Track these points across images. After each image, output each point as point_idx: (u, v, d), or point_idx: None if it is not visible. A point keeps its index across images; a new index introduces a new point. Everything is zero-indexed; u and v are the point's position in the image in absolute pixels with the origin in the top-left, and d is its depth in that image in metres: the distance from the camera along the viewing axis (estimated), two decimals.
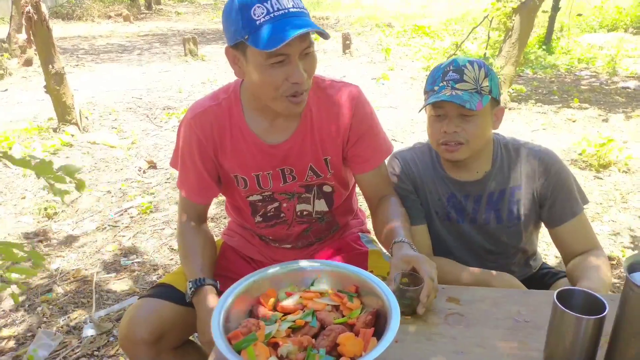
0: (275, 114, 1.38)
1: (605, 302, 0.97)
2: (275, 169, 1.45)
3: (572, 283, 1.39)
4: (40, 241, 3.05)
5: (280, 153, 1.43)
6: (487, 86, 1.39)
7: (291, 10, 1.19)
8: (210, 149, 1.44)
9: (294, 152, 1.43)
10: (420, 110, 1.50)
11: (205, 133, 1.42)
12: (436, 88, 1.41)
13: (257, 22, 1.17)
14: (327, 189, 1.53)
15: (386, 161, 1.57)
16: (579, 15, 7.94)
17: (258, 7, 1.17)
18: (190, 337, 1.54)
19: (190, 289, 1.34)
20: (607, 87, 6.88)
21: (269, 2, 1.18)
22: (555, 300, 0.98)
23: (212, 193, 1.53)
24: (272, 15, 1.17)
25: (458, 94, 1.36)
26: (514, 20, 6.83)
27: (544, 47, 8.94)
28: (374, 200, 1.55)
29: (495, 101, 1.44)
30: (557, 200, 1.49)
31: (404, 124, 5.32)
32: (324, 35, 1.24)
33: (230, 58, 1.30)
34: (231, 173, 1.46)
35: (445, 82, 1.39)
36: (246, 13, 1.18)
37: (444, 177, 1.55)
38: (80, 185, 0.88)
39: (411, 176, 1.57)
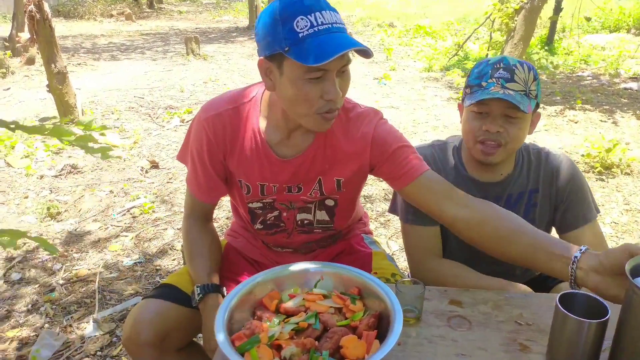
0: (291, 129, 1.35)
1: (607, 305, 0.97)
2: (282, 184, 1.42)
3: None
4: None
5: (290, 169, 1.40)
6: (534, 90, 1.38)
7: (334, 25, 1.16)
8: (220, 152, 1.42)
9: (303, 169, 1.40)
10: (468, 105, 1.40)
11: (217, 135, 1.39)
12: (484, 84, 1.36)
13: (300, 35, 1.13)
14: (329, 202, 1.48)
15: None
16: (588, 19, 7.93)
17: (302, 19, 1.13)
18: (194, 339, 1.54)
19: (198, 294, 1.34)
20: (609, 88, 6.88)
21: (313, 15, 1.14)
22: (558, 303, 0.98)
23: (220, 193, 1.51)
24: (316, 29, 1.13)
25: (510, 93, 1.33)
26: (516, 20, 6.85)
27: (546, 47, 8.94)
28: (435, 208, 1.35)
29: (537, 106, 1.42)
30: (572, 205, 1.49)
31: (406, 124, 5.32)
32: (367, 53, 1.19)
33: (263, 70, 1.24)
34: (236, 177, 1.46)
35: (494, 79, 1.35)
36: (288, 24, 1.14)
37: (465, 177, 1.53)
38: (104, 152, 0.84)
39: None
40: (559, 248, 1.15)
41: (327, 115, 1.24)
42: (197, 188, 1.48)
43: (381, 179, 1.46)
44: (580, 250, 1.10)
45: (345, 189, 1.44)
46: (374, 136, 1.37)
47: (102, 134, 1.01)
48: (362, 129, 1.37)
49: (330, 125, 1.29)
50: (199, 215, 1.52)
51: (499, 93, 1.33)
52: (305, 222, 1.51)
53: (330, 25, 1.15)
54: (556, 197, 1.51)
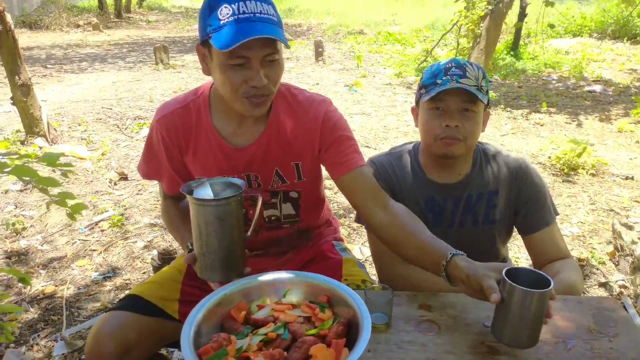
0: (242, 117, 1.40)
1: (550, 279, 1.03)
2: (240, 174, 1.45)
3: None
4: (9, 257, 2.97)
5: (244, 157, 1.43)
6: (484, 86, 1.45)
7: (257, 15, 1.20)
8: (177, 151, 1.46)
9: (258, 157, 1.44)
10: (426, 100, 1.43)
11: (170, 135, 1.44)
12: (439, 81, 1.43)
13: (222, 22, 1.20)
14: (293, 194, 1.53)
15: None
16: (551, 26, 8.15)
17: (225, 7, 1.20)
18: (161, 351, 1.52)
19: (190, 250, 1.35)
20: (574, 92, 7.07)
21: (236, 4, 1.20)
22: (504, 276, 1.03)
23: None
24: (236, 17, 1.19)
25: (464, 86, 1.40)
26: (481, 27, 6.99)
27: (512, 53, 9.14)
28: (360, 204, 1.41)
29: (488, 104, 1.49)
30: (531, 210, 1.55)
31: (377, 131, 5.36)
32: (285, 44, 1.25)
33: (200, 55, 1.32)
34: (195, 175, 1.47)
35: (449, 76, 1.42)
36: (213, 12, 1.21)
37: (424, 180, 1.57)
38: (67, 170, 0.86)
39: (389, 181, 1.57)
40: (438, 254, 1.22)
41: (253, 100, 1.29)
42: (162, 182, 1.56)
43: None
44: (452, 254, 1.18)
45: (306, 177, 1.49)
46: (324, 119, 1.43)
47: (68, 195, 0.99)
48: (312, 112, 1.43)
49: (262, 111, 1.34)
50: (173, 197, 1.59)
51: (457, 85, 1.39)
52: (273, 218, 1.55)
53: (252, 15, 1.20)
54: (516, 202, 1.57)
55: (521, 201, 1.55)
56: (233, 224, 1.22)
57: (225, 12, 1.20)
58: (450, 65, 1.45)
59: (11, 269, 0.81)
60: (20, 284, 2.70)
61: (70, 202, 0.86)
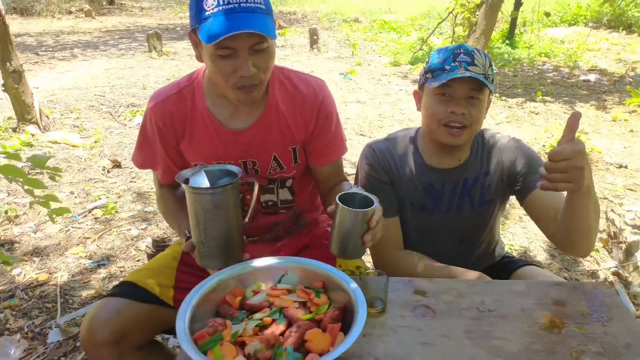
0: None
1: (375, 201, 1.19)
2: (237, 160, 1.44)
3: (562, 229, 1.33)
4: (2, 245, 2.95)
5: (242, 140, 1.43)
6: (491, 75, 1.43)
7: (242, 4, 1.18)
8: (172, 138, 1.45)
9: (257, 141, 1.43)
10: (434, 86, 1.41)
11: (165, 122, 1.42)
12: (447, 67, 1.40)
13: (206, 13, 1.18)
14: (288, 183, 1.54)
15: (358, 152, 1.60)
16: (547, 14, 8.10)
17: None
18: (156, 338, 1.51)
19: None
20: (569, 80, 7.06)
21: None
22: (337, 200, 1.17)
23: None
24: (220, 7, 1.17)
25: (473, 75, 1.37)
26: (477, 15, 6.96)
27: (507, 41, 9.11)
28: (327, 187, 1.58)
29: (491, 91, 1.48)
30: (529, 173, 1.49)
31: (372, 119, 5.35)
32: (269, 37, 1.23)
33: (192, 41, 1.31)
34: (192, 162, 1.46)
35: (457, 63, 1.39)
36: (201, 2, 1.20)
37: (423, 166, 1.56)
38: (55, 174, 0.86)
39: (387, 167, 1.55)
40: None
41: (243, 90, 1.28)
42: (157, 171, 1.55)
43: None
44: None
45: (300, 160, 1.51)
46: (320, 107, 1.45)
47: (57, 176, 0.98)
48: (310, 96, 1.44)
49: (255, 99, 1.33)
50: (168, 185, 1.58)
51: (467, 73, 1.37)
52: (270, 203, 1.55)
53: (236, 5, 1.18)
54: (509, 174, 1.53)
55: (517, 170, 1.51)
56: (231, 211, 1.21)
57: (210, 3, 1.18)
58: (458, 50, 1.42)
59: None
60: (13, 272, 2.69)
61: (55, 205, 0.86)
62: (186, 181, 1.19)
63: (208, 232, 1.20)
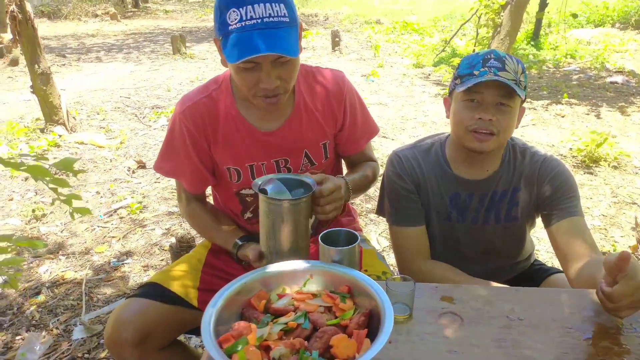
0: None
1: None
2: (269, 160, 1.45)
3: (584, 284, 1.29)
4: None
5: (275, 141, 1.43)
6: (523, 81, 1.38)
7: (265, 20, 1.17)
8: (204, 141, 1.44)
9: (289, 140, 1.44)
10: (462, 90, 1.37)
11: (196, 125, 1.42)
12: (476, 72, 1.36)
13: (229, 28, 1.19)
14: None
15: (385, 159, 1.64)
16: (574, 16, 7.94)
17: (234, 11, 1.18)
18: (179, 337, 1.52)
19: (238, 246, 1.43)
20: (595, 82, 6.92)
21: (244, 8, 1.17)
22: (320, 240, 1.19)
23: (208, 183, 1.57)
24: (243, 23, 1.17)
25: (501, 79, 1.33)
26: (502, 16, 6.86)
27: (532, 43, 8.98)
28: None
29: (524, 100, 1.42)
30: (561, 198, 1.44)
31: (394, 121, 5.31)
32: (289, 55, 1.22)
33: (218, 47, 1.31)
34: (223, 165, 1.46)
35: (487, 68, 1.35)
36: (223, 15, 1.20)
37: (451, 176, 1.51)
38: (78, 172, 0.88)
39: (413, 175, 1.51)
40: None
41: (266, 100, 1.29)
42: (185, 180, 1.53)
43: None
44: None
45: (330, 156, 1.53)
46: (347, 97, 1.49)
47: (76, 196, 1.01)
48: (333, 88, 1.47)
49: (279, 106, 1.34)
50: (195, 199, 1.58)
51: (495, 77, 1.32)
52: None
53: (258, 21, 1.17)
54: (538, 197, 1.48)
55: (545, 195, 1.46)
56: (305, 221, 1.22)
57: (233, 17, 1.18)
58: (489, 56, 1.37)
59: (20, 238, 0.83)
60: (40, 270, 2.73)
61: (77, 203, 0.88)
62: (263, 191, 1.19)
63: (282, 242, 1.21)
